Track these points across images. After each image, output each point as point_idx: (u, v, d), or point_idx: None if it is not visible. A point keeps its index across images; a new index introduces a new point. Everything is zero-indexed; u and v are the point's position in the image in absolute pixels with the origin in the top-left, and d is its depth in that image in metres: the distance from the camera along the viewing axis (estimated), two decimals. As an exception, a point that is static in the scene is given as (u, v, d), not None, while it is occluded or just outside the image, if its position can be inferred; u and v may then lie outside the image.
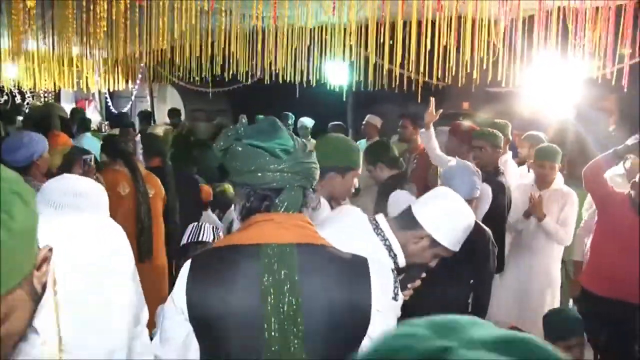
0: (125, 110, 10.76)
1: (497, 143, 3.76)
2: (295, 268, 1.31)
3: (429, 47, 3.77)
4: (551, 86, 4.32)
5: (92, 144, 5.43)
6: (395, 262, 1.76)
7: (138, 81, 9.15)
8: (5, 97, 10.43)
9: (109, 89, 9.10)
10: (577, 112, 4.91)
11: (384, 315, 1.36)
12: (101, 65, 8.11)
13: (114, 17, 4.11)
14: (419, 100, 4.29)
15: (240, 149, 1.36)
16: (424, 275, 1.92)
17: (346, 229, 1.76)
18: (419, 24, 3.80)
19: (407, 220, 1.80)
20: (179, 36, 4.25)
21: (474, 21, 3.72)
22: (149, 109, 9.76)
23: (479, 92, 5.38)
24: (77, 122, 6.29)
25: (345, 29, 4.24)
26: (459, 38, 3.78)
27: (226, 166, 1.41)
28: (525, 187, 3.99)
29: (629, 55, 3.33)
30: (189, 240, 2.70)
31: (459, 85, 4.01)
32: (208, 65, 5.16)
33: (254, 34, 4.64)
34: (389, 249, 1.75)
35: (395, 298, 1.65)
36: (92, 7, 4.03)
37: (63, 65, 7.39)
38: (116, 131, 6.20)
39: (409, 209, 1.83)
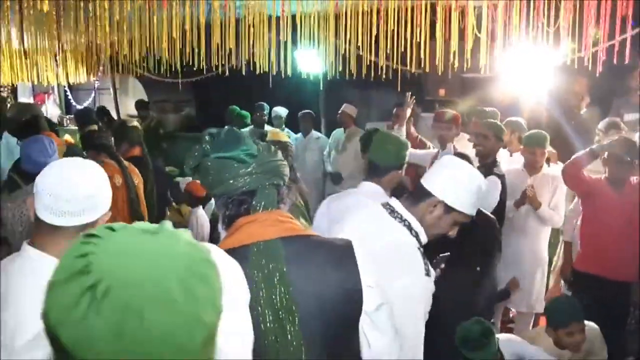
0: (87, 103, 10.39)
1: (501, 136, 3.84)
2: (283, 260, 1.37)
3: (406, 35, 3.78)
4: (525, 71, 4.40)
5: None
6: (418, 240, 1.79)
7: (100, 73, 8.82)
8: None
9: (68, 82, 8.74)
10: (550, 96, 5.02)
11: (377, 290, 1.41)
12: (60, 56, 7.76)
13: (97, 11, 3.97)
14: (399, 89, 4.31)
15: (209, 163, 1.45)
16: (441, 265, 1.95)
17: (364, 220, 1.78)
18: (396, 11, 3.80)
19: (417, 194, 1.85)
20: (156, 26, 4.13)
21: (451, 8, 3.73)
22: (112, 102, 9.44)
23: (455, 79, 5.41)
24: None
25: (319, 18, 4.19)
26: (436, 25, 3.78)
27: (202, 183, 1.50)
28: (516, 171, 4.08)
29: (604, 38, 3.40)
30: None
31: (438, 72, 4.03)
32: (178, 55, 5.01)
33: (228, 23, 4.52)
34: (409, 228, 1.79)
35: (427, 274, 1.69)
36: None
37: (22, 57, 7.08)
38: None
39: (420, 184, 1.87)
